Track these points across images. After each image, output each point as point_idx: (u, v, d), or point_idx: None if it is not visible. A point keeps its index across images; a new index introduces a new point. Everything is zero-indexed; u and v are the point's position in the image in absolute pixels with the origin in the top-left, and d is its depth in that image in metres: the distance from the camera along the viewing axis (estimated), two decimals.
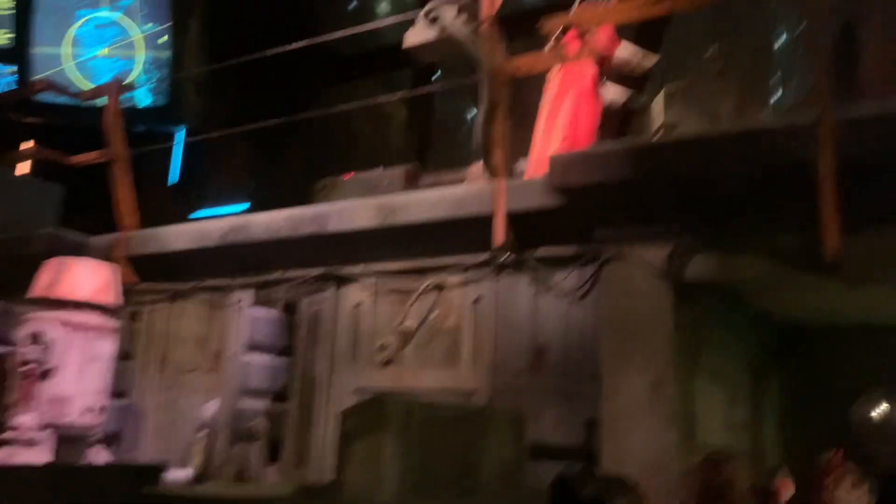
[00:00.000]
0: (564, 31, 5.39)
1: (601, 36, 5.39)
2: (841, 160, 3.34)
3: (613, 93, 6.25)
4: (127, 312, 6.18)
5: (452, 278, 4.91)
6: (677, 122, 5.42)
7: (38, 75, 10.48)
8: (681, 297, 3.93)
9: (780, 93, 12.14)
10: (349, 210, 5.23)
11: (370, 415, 2.61)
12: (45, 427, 4.67)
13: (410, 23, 7.55)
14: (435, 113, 11.92)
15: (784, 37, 12.02)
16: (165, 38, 10.56)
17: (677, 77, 5.94)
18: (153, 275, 6.36)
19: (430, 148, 11.18)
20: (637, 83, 6.86)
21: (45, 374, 4.67)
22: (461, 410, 3.35)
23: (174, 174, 11.19)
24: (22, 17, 10.57)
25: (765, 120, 5.04)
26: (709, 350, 4.26)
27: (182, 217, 10.10)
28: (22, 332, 4.77)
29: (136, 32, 10.62)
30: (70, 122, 9.75)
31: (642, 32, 8.95)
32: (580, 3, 6.35)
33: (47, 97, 9.11)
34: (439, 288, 4.96)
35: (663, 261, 3.90)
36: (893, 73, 7.02)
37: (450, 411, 3.01)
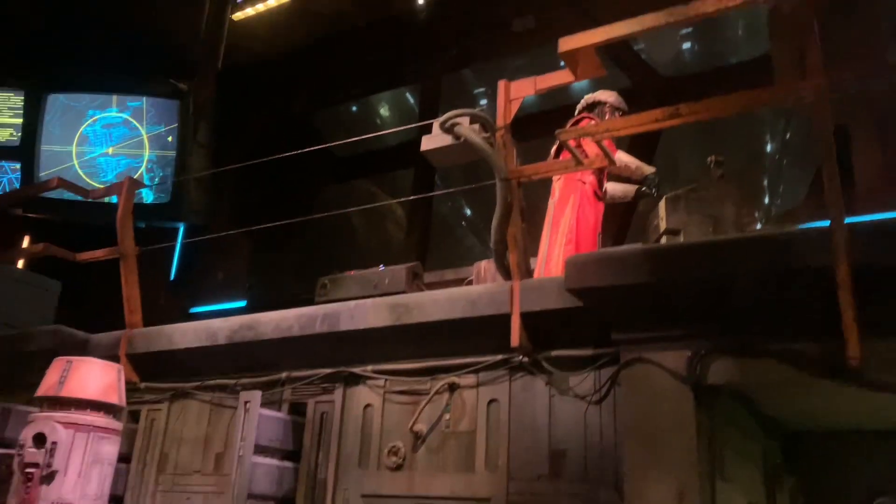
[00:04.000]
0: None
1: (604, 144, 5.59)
2: (857, 267, 3.42)
3: (613, 192, 6.46)
4: (126, 412, 6.06)
5: (466, 380, 4.87)
6: (680, 227, 5.56)
7: (43, 172, 10.62)
8: (701, 402, 3.91)
9: (767, 199, 12.52)
10: (361, 309, 5.23)
11: None
12: None
13: (411, 128, 7.85)
14: (433, 211, 12.15)
15: (770, 146, 12.50)
16: (171, 138, 10.80)
17: (672, 183, 6.14)
18: (154, 373, 6.27)
19: (430, 245, 11.32)
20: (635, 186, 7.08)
21: (47, 478, 4.51)
22: None
23: (174, 271, 11.20)
24: (32, 116, 10.81)
25: (776, 226, 5.16)
26: (730, 456, 4.20)
27: (180, 313, 10.09)
28: (25, 434, 4.63)
29: (143, 133, 10.87)
30: (73, 219, 9.85)
31: (637, 140, 9.31)
32: (581, 109, 6.66)
33: (51, 193, 9.19)
34: (452, 389, 4.91)
35: (684, 364, 3.90)
36: (889, 176, 7.30)
37: None
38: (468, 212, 15.19)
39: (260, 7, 11.06)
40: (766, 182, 12.20)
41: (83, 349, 6.27)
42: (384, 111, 14.66)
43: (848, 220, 3.55)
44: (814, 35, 3.72)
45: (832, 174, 3.67)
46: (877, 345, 3.48)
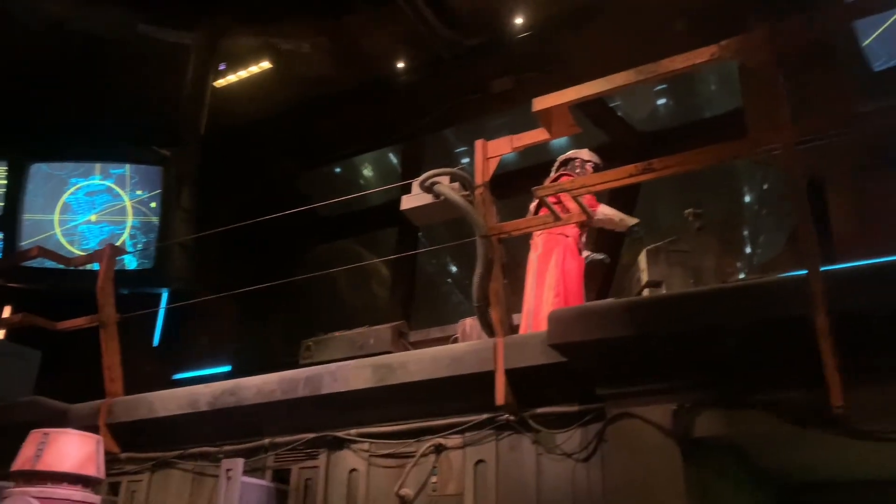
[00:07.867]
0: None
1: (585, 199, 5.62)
2: (836, 314, 3.43)
3: (607, 212, 6.40)
4: (106, 485, 5.90)
5: (452, 440, 4.78)
6: (661, 279, 5.58)
7: (25, 241, 10.58)
8: (689, 456, 3.86)
9: (748, 249, 12.65)
10: (344, 370, 5.17)
11: None
12: None
13: (393, 188, 7.92)
14: (419, 269, 12.17)
15: (748, 197, 12.69)
16: (154, 204, 10.84)
17: (653, 235, 6.17)
18: (135, 443, 6.12)
19: (416, 304, 11.29)
20: (615, 241, 7.11)
21: None
22: None
23: (157, 337, 11.09)
24: (14, 186, 10.83)
25: (757, 276, 5.18)
26: None
27: (164, 380, 9.93)
28: None
29: (126, 199, 10.91)
30: (55, 287, 9.77)
31: (616, 194, 9.41)
32: (558, 167, 6.74)
33: (32, 262, 9.14)
34: (438, 451, 4.82)
35: (670, 418, 3.86)
36: (862, 227, 7.39)
37: None
38: (454, 269, 15.23)
39: (242, 73, 11.24)
40: (746, 232, 12.35)
41: (62, 420, 6.13)
42: (367, 171, 14.82)
43: (825, 268, 3.58)
44: (780, 89, 3.81)
45: (806, 223, 3.71)
46: (861, 392, 3.46)
